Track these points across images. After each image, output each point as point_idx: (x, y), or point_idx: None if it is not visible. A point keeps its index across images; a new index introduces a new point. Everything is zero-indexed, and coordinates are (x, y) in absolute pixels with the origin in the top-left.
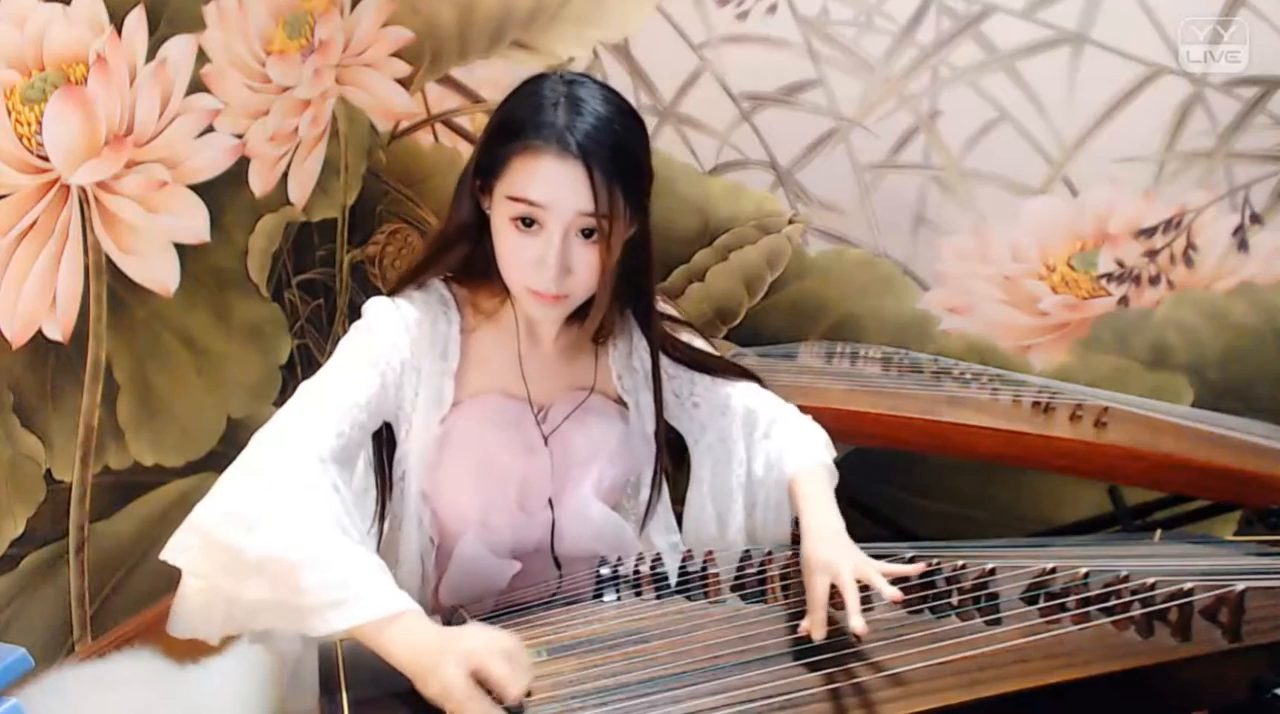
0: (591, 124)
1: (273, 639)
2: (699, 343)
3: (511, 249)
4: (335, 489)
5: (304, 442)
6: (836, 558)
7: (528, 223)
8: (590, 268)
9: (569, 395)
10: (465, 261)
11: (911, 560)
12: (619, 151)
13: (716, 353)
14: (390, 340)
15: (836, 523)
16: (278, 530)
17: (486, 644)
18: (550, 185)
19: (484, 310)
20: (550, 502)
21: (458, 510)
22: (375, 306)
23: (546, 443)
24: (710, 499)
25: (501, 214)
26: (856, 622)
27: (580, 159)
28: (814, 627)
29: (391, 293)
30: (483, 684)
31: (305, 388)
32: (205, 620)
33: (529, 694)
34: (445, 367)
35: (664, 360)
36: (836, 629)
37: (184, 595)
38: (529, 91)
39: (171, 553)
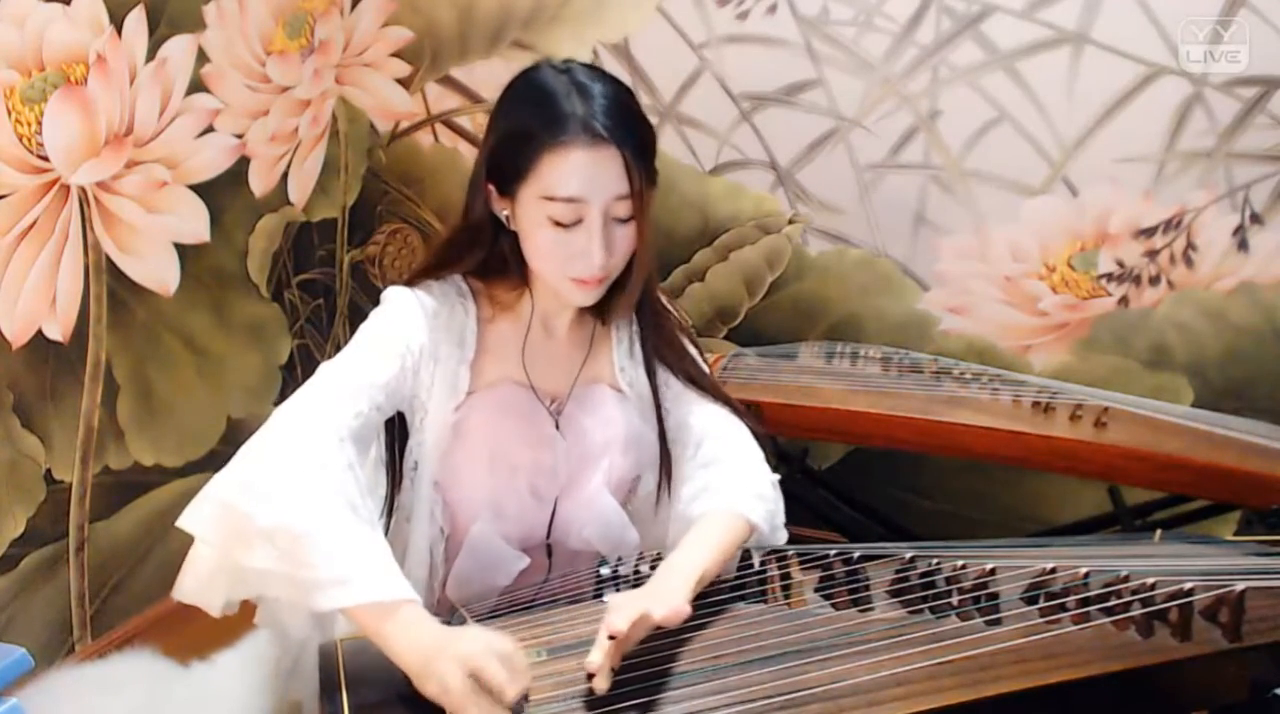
0: (607, 104)
1: (281, 626)
2: (690, 352)
3: (550, 247)
4: (350, 468)
5: (323, 419)
6: (628, 601)
7: (566, 217)
8: (628, 244)
9: (581, 387)
10: (481, 264)
11: (911, 560)
12: (637, 123)
13: (705, 368)
14: (410, 326)
15: (677, 580)
16: (290, 503)
17: (483, 647)
18: (587, 177)
19: (501, 303)
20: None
21: (469, 498)
22: (396, 293)
23: (560, 433)
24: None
25: (534, 215)
26: (597, 677)
27: (611, 142)
28: (589, 664)
29: (407, 284)
30: (481, 686)
31: (325, 368)
32: (210, 588)
33: (527, 698)
34: (461, 355)
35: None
36: (837, 630)
37: (192, 562)
38: (531, 92)
39: (187, 520)
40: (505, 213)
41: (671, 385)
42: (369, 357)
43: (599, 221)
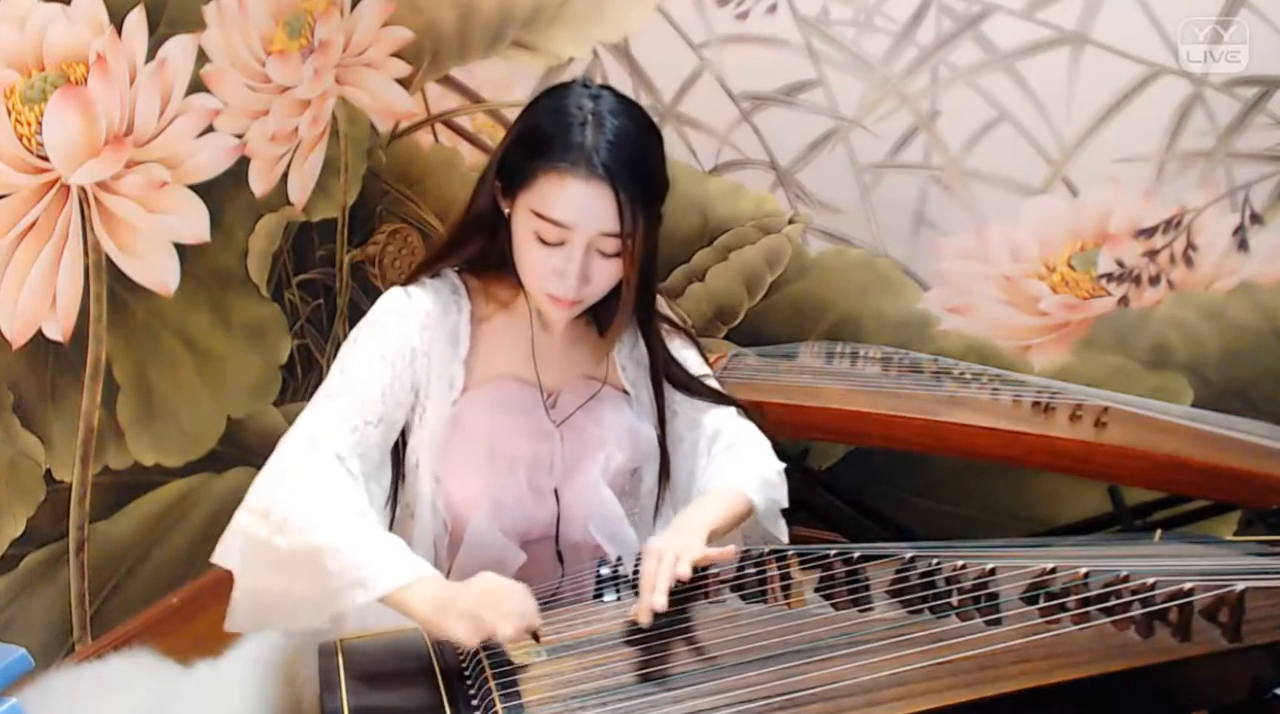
0: (617, 143)
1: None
2: (690, 354)
3: (532, 259)
4: (352, 478)
5: (321, 440)
6: (664, 543)
7: (550, 237)
8: (607, 278)
9: (578, 382)
10: (480, 254)
11: (911, 560)
12: (642, 170)
13: (707, 367)
14: (398, 331)
15: (695, 516)
16: (303, 526)
17: (486, 592)
18: (576, 207)
19: (498, 299)
20: (556, 489)
21: (468, 492)
22: (386, 298)
23: (557, 428)
24: (680, 505)
25: (524, 225)
26: (646, 601)
27: (607, 181)
28: (640, 611)
29: (406, 282)
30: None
31: (322, 388)
32: (258, 618)
33: (536, 636)
34: (455, 353)
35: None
36: (837, 630)
37: (235, 605)
38: (556, 105)
39: (219, 556)
40: (506, 211)
41: (676, 391)
42: (359, 369)
43: (580, 250)
